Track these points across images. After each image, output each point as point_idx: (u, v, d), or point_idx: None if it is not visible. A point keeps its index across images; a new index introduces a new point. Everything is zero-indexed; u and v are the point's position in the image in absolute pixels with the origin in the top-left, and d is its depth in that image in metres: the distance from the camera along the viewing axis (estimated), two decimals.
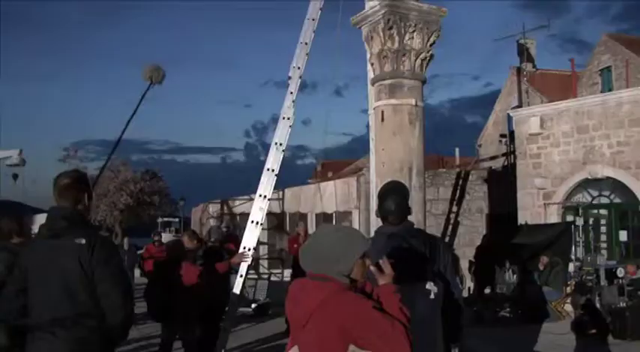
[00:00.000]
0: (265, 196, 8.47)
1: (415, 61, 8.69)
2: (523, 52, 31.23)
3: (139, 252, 21.17)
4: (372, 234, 4.37)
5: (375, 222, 8.58)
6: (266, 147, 8.91)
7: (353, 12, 9.63)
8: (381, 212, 4.14)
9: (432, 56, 8.94)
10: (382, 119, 8.69)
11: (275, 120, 9.02)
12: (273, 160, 8.58)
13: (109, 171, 34.04)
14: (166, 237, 24.32)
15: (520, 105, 27.38)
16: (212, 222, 21.30)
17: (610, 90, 25.54)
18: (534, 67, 32.40)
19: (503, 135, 27.02)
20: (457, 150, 31.20)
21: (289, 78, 9.03)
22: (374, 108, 9.10)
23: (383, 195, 4.18)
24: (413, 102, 8.60)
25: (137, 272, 20.61)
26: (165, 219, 53.78)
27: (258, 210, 8.43)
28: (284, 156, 8.62)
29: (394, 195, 4.12)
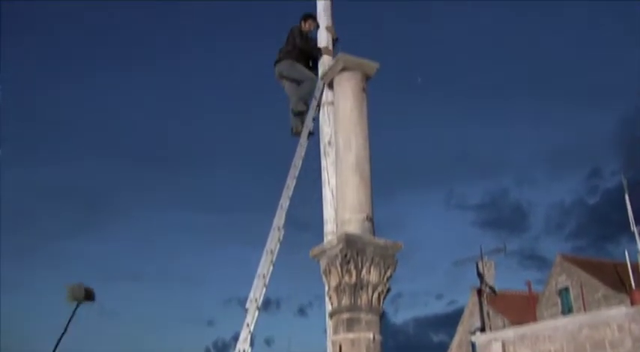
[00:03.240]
0: None
1: (372, 294, 8.71)
2: (482, 275, 31.81)
3: None
4: None
5: None
6: None
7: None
8: None
9: (388, 289, 8.98)
10: None
11: (236, 338, 8.79)
12: None
13: None
14: None
15: (483, 327, 27.31)
16: None
17: (570, 310, 25.79)
18: (494, 289, 32.77)
19: None
20: None
21: (246, 310, 8.96)
22: (332, 342, 8.95)
23: None
24: (370, 336, 8.49)
25: None
26: None
27: None
28: None
29: None
